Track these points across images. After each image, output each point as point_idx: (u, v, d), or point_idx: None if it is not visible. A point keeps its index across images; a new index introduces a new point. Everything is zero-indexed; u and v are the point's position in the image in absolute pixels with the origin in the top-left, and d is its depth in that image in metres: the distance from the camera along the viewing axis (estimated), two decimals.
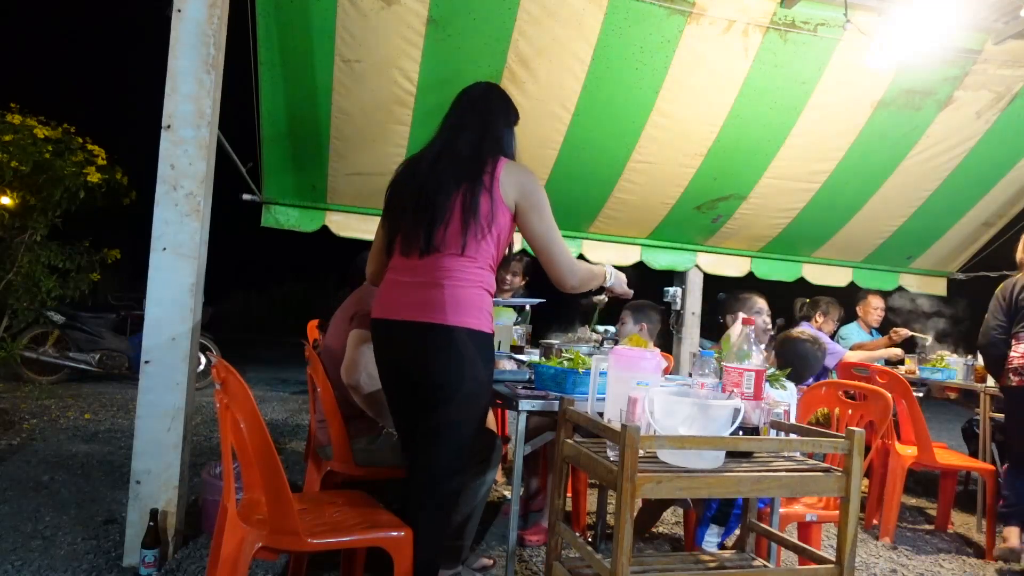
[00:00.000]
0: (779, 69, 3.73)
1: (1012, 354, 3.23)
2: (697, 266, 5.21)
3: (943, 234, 5.11)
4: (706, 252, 5.20)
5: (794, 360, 2.69)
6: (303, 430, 5.10)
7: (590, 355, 2.26)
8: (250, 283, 15.64)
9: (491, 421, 3.48)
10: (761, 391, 1.78)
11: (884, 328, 5.03)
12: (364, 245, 4.18)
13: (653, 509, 2.97)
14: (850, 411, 2.65)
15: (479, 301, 2.01)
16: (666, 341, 5.13)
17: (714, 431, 1.58)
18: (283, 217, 4.46)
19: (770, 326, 3.37)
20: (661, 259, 5.13)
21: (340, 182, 4.29)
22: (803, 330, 3.08)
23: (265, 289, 15.97)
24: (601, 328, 3.05)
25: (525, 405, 2.13)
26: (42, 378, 6.25)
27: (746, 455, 1.72)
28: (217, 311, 7.44)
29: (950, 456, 3.62)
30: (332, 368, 2.48)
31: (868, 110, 4.02)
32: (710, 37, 3.55)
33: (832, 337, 4.63)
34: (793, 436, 1.80)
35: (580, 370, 2.20)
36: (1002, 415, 3.60)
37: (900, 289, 5.47)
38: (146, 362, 2.50)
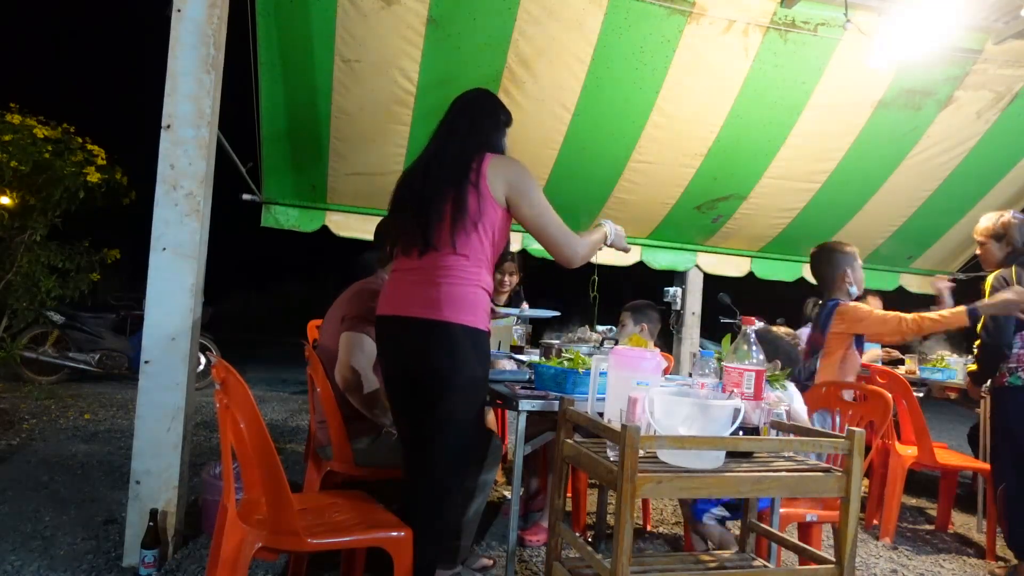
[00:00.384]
0: (779, 69, 3.73)
1: (1021, 352, 3.02)
2: (697, 266, 5.22)
3: (943, 234, 5.11)
4: (706, 252, 5.20)
5: (775, 355, 2.62)
6: (303, 430, 5.09)
7: (590, 355, 2.26)
8: (250, 283, 15.65)
9: (491, 421, 3.48)
10: (761, 391, 1.78)
11: None
12: (364, 245, 4.19)
13: None
14: (850, 411, 2.66)
15: (474, 299, 2.04)
16: (666, 341, 5.13)
17: (714, 431, 1.58)
18: (283, 217, 4.46)
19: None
20: (661, 259, 5.14)
21: (340, 182, 4.29)
22: (779, 326, 2.96)
23: (265, 289, 15.97)
24: (601, 328, 3.05)
25: (525, 405, 2.13)
26: (42, 378, 6.25)
27: (746, 455, 1.72)
28: (217, 311, 7.43)
29: (950, 456, 3.61)
30: (329, 368, 2.48)
31: (868, 110, 4.02)
32: (710, 37, 3.55)
33: None
34: (793, 436, 1.79)
35: (580, 370, 2.20)
36: None
37: (900, 289, 5.47)
38: (146, 362, 2.50)
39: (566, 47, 3.55)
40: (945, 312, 2.69)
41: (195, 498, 2.97)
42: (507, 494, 3.62)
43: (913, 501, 4.23)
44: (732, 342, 1.84)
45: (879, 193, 4.66)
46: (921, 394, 4.28)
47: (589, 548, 1.72)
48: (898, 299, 5.00)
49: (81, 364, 6.34)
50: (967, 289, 5.37)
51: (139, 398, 2.49)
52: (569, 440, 1.82)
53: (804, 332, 4.46)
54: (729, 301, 3.48)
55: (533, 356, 2.86)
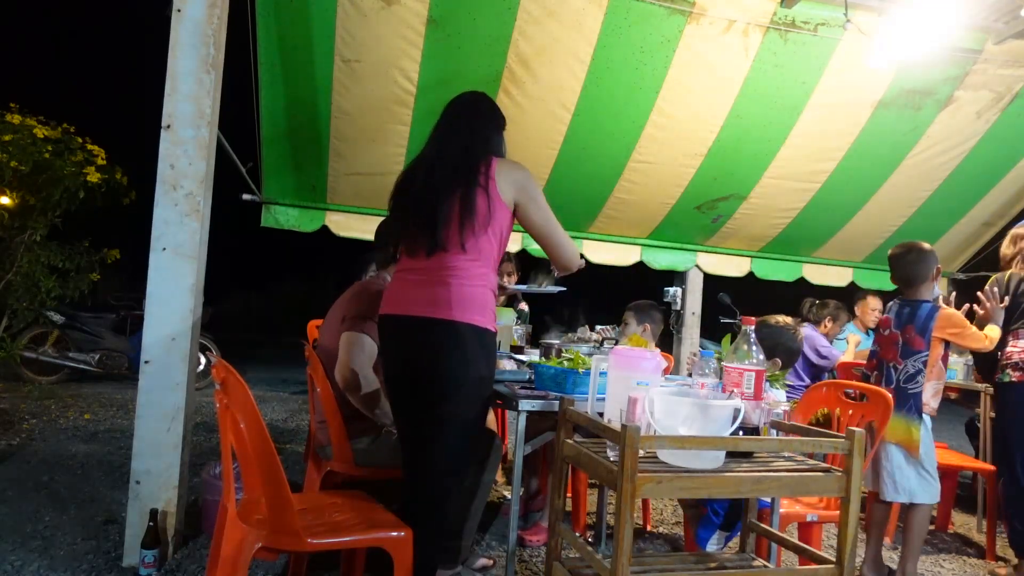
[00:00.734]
0: (779, 69, 3.73)
1: (1010, 349, 3.16)
2: (697, 266, 5.22)
3: (943, 234, 5.11)
4: (706, 252, 5.20)
5: (774, 348, 2.59)
6: (303, 430, 5.09)
7: (590, 355, 2.26)
8: (250, 283, 15.66)
9: (491, 421, 3.48)
10: (761, 391, 1.78)
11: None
12: (364, 245, 4.19)
13: None
14: (850, 411, 2.65)
15: (483, 299, 2.04)
16: (666, 341, 5.14)
17: (714, 431, 1.58)
18: (283, 217, 4.46)
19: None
20: (661, 259, 5.14)
21: (340, 182, 4.29)
22: (780, 317, 2.91)
23: (265, 289, 15.98)
24: (601, 328, 3.05)
25: (525, 405, 2.13)
26: (42, 378, 6.25)
27: (746, 455, 1.72)
28: (217, 311, 7.43)
29: (950, 456, 3.61)
30: (329, 368, 2.48)
31: (868, 110, 4.02)
32: (710, 37, 3.55)
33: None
34: (793, 436, 1.79)
35: (580, 370, 2.20)
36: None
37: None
38: (146, 362, 2.50)
39: (566, 47, 3.55)
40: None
41: (195, 498, 2.97)
42: (507, 494, 3.62)
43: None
44: (732, 342, 1.84)
45: (879, 193, 4.66)
46: None
47: (589, 548, 1.72)
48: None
49: (81, 364, 6.35)
50: (968, 289, 5.38)
51: (139, 398, 2.49)
52: (569, 440, 1.82)
53: (802, 332, 4.47)
54: (729, 301, 3.48)
55: (533, 356, 2.86)
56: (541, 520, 3.11)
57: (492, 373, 2.12)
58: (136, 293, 6.48)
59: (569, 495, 3.02)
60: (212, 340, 6.32)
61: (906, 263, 2.91)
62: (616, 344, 2.89)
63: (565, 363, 2.32)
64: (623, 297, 3.62)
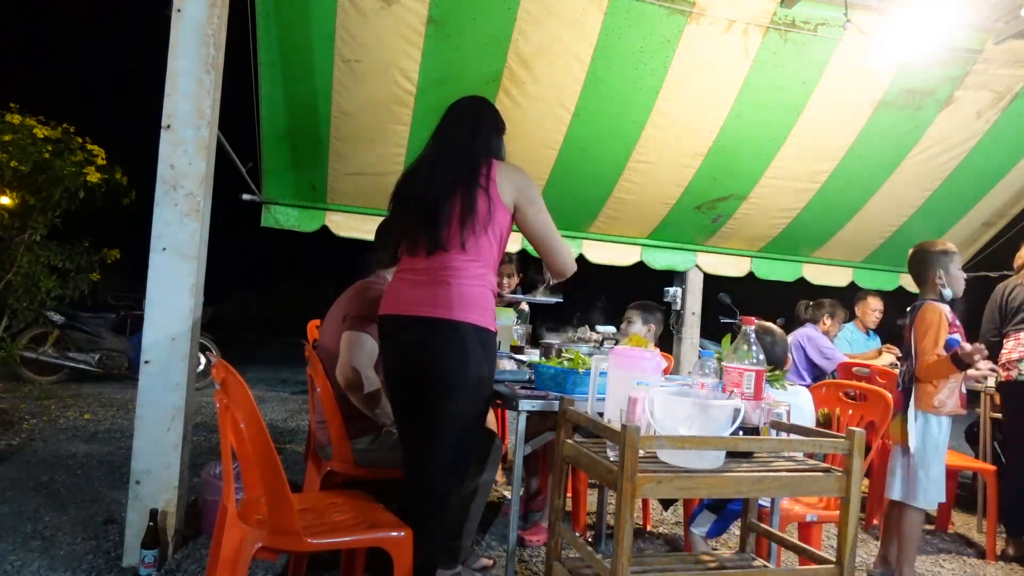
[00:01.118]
0: (779, 69, 3.73)
1: (1002, 351, 3.34)
2: (697, 266, 5.22)
3: (943, 234, 5.10)
4: (706, 252, 5.20)
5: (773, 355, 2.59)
6: (303, 430, 5.09)
7: (590, 355, 2.26)
8: (250, 283, 15.65)
9: (491, 421, 3.48)
10: (761, 391, 1.78)
11: (881, 330, 5.01)
12: (364, 245, 4.19)
13: None
14: (850, 411, 2.66)
15: (483, 299, 2.05)
16: (666, 341, 5.14)
17: (714, 431, 1.58)
18: (283, 217, 4.46)
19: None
20: (661, 259, 5.14)
21: (340, 182, 4.29)
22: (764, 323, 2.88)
23: (265, 289, 15.98)
24: (602, 328, 3.05)
25: (525, 405, 2.13)
26: (42, 378, 6.25)
27: (746, 455, 1.72)
28: (217, 311, 7.42)
29: (950, 456, 3.60)
30: (329, 368, 2.48)
31: (868, 110, 4.02)
32: (710, 37, 3.55)
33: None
34: (793, 436, 1.79)
35: (580, 370, 2.20)
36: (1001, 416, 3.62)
37: (900, 289, 5.47)
38: (146, 362, 2.50)
39: (566, 47, 3.55)
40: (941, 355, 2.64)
41: (195, 498, 2.97)
42: (507, 494, 3.62)
43: None
44: (732, 342, 1.84)
45: (879, 193, 4.66)
46: None
47: (589, 548, 1.72)
48: (898, 299, 5.01)
49: (81, 364, 6.34)
50: (968, 289, 5.37)
51: (139, 398, 2.50)
52: (569, 440, 1.82)
53: (801, 332, 4.48)
54: (729, 301, 3.49)
55: (533, 356, 2.86)
56: (541, 520, 3.11)
57: (492, 373, 2.12)
58: (136, 293, 6.48)
59: (569, 495, 3.02)
60: (212, 340, 6.32)
61: (912, 262, 2.88)
62: (617, 343, 2.89)
63: (565, 363, 2.32)
64: (623, 297, 3.62)
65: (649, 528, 3.33)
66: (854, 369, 4.15)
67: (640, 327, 3.30)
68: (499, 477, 3.87)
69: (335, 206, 4.50)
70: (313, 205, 4.48)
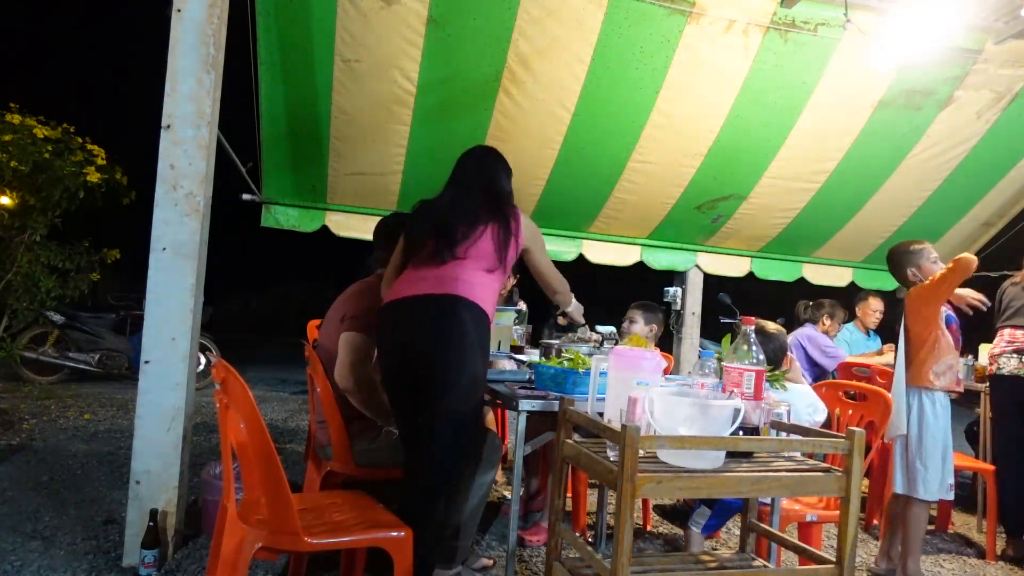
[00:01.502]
0: (779, 69, 3.73)
1: (991, 346, 3.50)
2: (697, 266, 5.21)
3: (943, 234, 5.11)
4: (706, 252, 5.20)
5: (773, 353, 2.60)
6: (303, 430, 5.09)
7: (590, 355, 2.26)
8: (250, 283, 15.66)
9: (491, 421, 3.48)
10: (761, 391, 1.78)
11: (881, 330, 5.00)
12: (364, 245, 4.19)
13: None
14: (850, 411, 2.66)
15: (487, 289, 2.22)
16: (666, 341, 5.14)
17: (714, 431, 1.58)
18: (283, 217, 4.46)
19: None
20: (661, 259, 5.13)
21: (340, 182, 4.29)
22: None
23: (265, 289, 15.98)
24: (602, 329, 3.05)
25: (525, 405, 2.13)
26: (42, 378, 6.25)
27: (746, 455, 1.72)
28: (217, 311, 7.43)
29: None
30: (328, 368, 2.48)
31: (868, 110, 4.02)
32: (710, 37, 3.55)
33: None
34: (793, 436, 1.79)
35: (580, 370, 2.20)
36: None
37: (901, 289, 5.46)
38: (146, 362, 2.50)
39: (566, 47, 3.55)
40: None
41: (195, 498, 2.97)
42: (507, 494, 3.62)
43: None
44: (732, 342, 1.84)
45: (879, 193, 4.66)
46: None
47: (589, 548, 1.72)
48: (898, 299, 5.00)
49: (81, 364, 6.34)
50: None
51: (139, 398, 2.49)
52: (569, 440, 1.82)
53: (801, 332, 4.48)
54: (729, 301, 3.49)
55: (533, 356, 2.86)
56: (541, 520, 3.11)
57: (486, 351, 2.24)
58: (136, 293, 6.48)
59: (569, 495, 3.02)
60: (212, 340, 6.32)
61: (889, 267, 3.01)
62: (617, 343, 2.89)
63: (565, 363, 2.32)
64: (623, 297, 3.62)
65: (649, 528, 3.33)
66: (854, 369, 4.15)
67: (642, 327, 3.31)
68: (499, 477, 3.87)
69: (335, 206, 4.49)
70: (313, 205, 4.48)
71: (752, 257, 5.25)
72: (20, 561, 2.48)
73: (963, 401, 4.52)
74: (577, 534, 2.79)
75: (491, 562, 2.67)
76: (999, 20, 3.50)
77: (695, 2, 3.41)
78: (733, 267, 5.28)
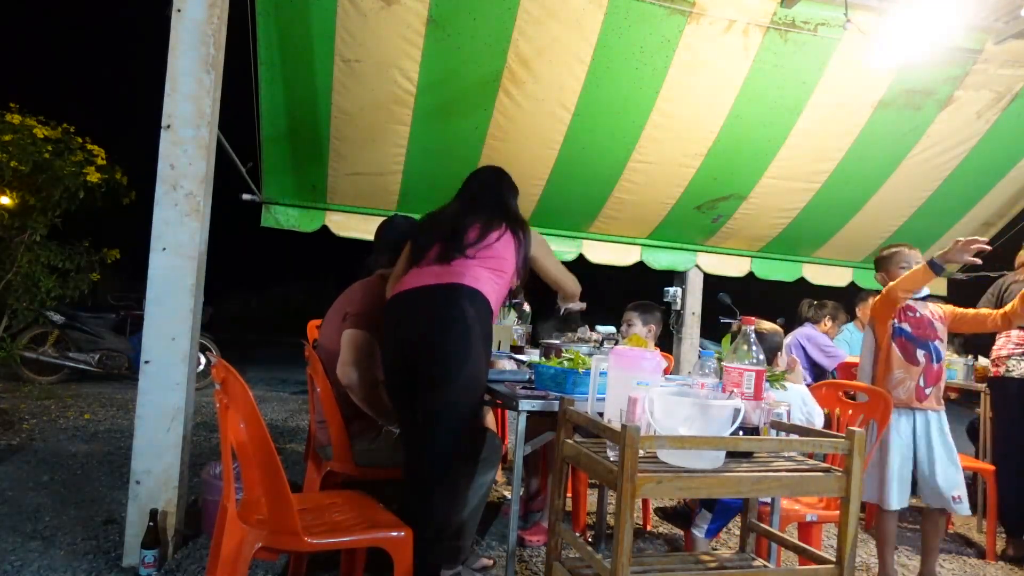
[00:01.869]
0: (779, 69, 3.73)
1: (994, 347, 3.47)
2: (697, 266, 5.21)
3: (943, 234, 5.11)
4: (706, 252, 5.20)
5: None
6: (303, 430, 5.09)
7: (590, 355, 2.26)
8: (250, 283, 15.66)
9: (491, 421, 3.48)
10: (761, 391, 1.78)
11: None
12: (364, 245, 4.19)
13: None
14: (850, 411, 2.65)
15: (492, 283, 2.25)
16: (666, 341, 5.14)
17: (714, 431, 1.58)
18: (283, 217, 4.46)
19: None
20: (661, 259, 5.13)
21: (340, 182, 4.29)
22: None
23: (265, 289, 15.99)
24: (602, 329, 3.05)
25: (525, 405, 2.13)
26: (42, 378, 6.25)
27: (746, 455, 1.72)
28: (217, 311, 7.43)
29: None
30: (328, 368, 2.48)
31: (868, 110, 4.02)
32: (710, 37, 3.55)
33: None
34: (793, 436, 1.79)
35: (580, 370, 2.20)
36: None
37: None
38: (146, 362, 2.50)
39: (566, 47, 3.55)
40: (917, 267, 2.70)
41: (195, 498, 2.97)
42: (507, 494, 3.62)
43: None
44: (732, 342, 1.84)
45: (879, 193, 4.66)
46: None
47: (589, 548, 1.72)
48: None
49: (81, 364, 6.34)
50: (968, 290, 5.38)
51: (139, 398, 2.49)
52: (569, 440, 1.82)
53: (800, 332, 4.48)
54: (729, 301, 3.49)
55: (533, 356, 2.86)
56: (541, 520, 3.11)
57: (488, 350, 2.25)
58: (136, 293, 6.48)
59: (569, 495, 3.02)
60: (212, 340, 6.32)
61: (878, 275, 2.99)
62: (617, 343, 2.90)
63: (565, 363, 2.32)
64: (623, 297, 3.62)
65: (649, 528, 3.33)
66: (854, 369, 4.15)
67: (640, 328, 3.30)
68: (499, 477, 3.87)
69: (335, 206, 4.49)
70: (313, 205, 4.48)
71: (752, 257, 5.25)
72: (20, 561, 2.48)
73: (963, 401, 4.53)
74: (577, 534, 2.79)
75: (491, 562, 2.67)
76: (999, 20, 3.50)
77: (695, 2, 3.41)
78: (733, 267, 5.27)
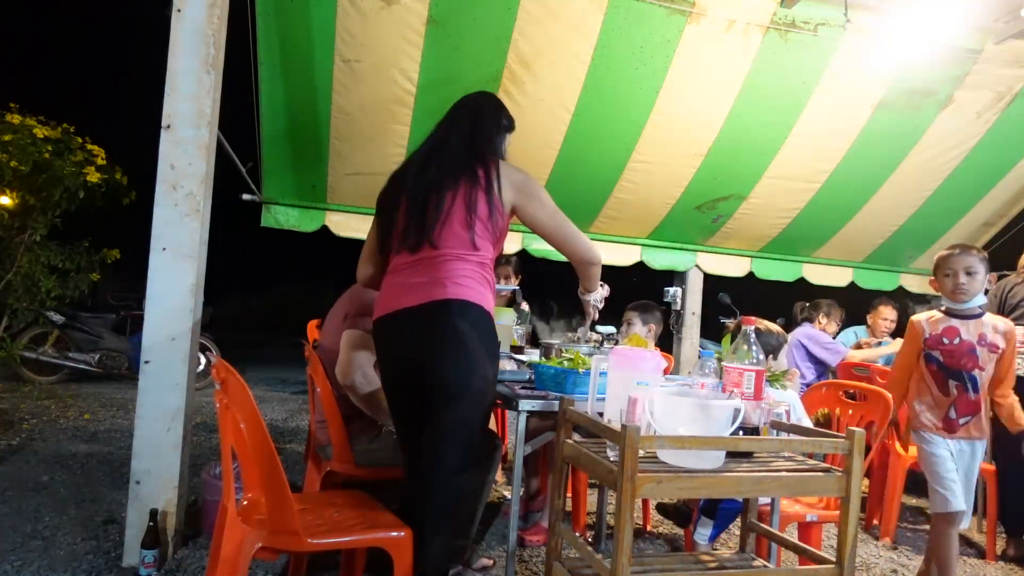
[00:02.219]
0: (779, 69, 3.73)
1: None
2: (697, 266, 5.21)
3: (943, 234, 5.11)
4: (706, 252, 5.20)
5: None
6: (303, 430, 5.09)
7: (590, 355, 2.25)
8: (250, 283, 15.65)
9: (491, 421, 3.49)
10: (761, 391, 1.78)
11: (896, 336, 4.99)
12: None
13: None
14: (850, 411, 2.66)
15: (480, 279, 2.02)
16: (666, 341, 5.14)
17: (714, 431, 1.58)
18: (283, 217, 4.46)
19: None
20: (661, 259, 5.13)
21: (340, 182, 4.29)
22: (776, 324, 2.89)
23: (265, 289, 15.98)
24: (602, 329, 3.05)
25: (525, 405, 2.12)
26: (42, 378, 6.25)
27: (746, 455, 1.72)
28: (217, 311, 7.43)
29: None
30: (329, 368, 2.48)
31: (868, 110, 4.02)
32: (710, 37, 3.55)
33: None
34: (793, 436, 1.79)
35: (580, 370, 2.20)
36: None
37: (900, 289, 5.47)
38: (146, 362, 2.50)
39: (566, 47, 3.55)
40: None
41: (195, 498, 2.97)
42: (507, 494, 3.61)
43: (913, 501, 4.23)
44: (732, 342, 1.84)
45: (879, 193, 4.66)
46: None
47: (589, 548, 1.72)
48: (898, 299, 5.01)
49: (81, 364, 6.34)
50: None
51: (139, 398, 2.49)
52: (569, 440, 1.82)
53: (799, 332, 4.48)
54: (729, 301, 3.49)
55: (533, 356, 2.86)
56: (541, 520, 3.11)
57: (495, 370, 2.07)
58: (136, 293, 6.49)
59: (569, 495, 3.01)
60: (212, 340, 6.31)
61: None
62: (617, 343, 2.89)
63: (565, 363, 2.31)
64: (623, 297, 3.61)
65: (649, 528, 3.33)
66: (854, 369, 4.15)
67: (640, 328, 3.30)
68: (499, 477, 3.87)
69: (335, 206, 4.49)
70: (313, 205, 4.48)
71: (752, 257, 5.25)
72: (20, 561, 2.48)
73: None
74: (577, 534, 2.79)
75: (491, 562, 2.67)
76: (999, 20, 3.49)
77: (695, 2, 3.41)
78: (733, 267, 5.27)
